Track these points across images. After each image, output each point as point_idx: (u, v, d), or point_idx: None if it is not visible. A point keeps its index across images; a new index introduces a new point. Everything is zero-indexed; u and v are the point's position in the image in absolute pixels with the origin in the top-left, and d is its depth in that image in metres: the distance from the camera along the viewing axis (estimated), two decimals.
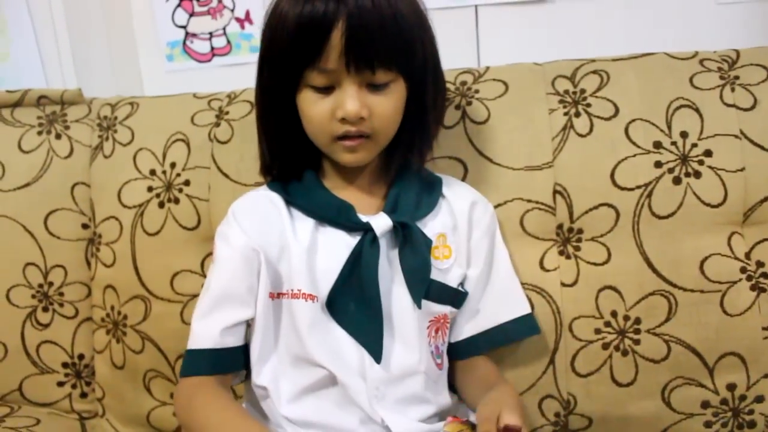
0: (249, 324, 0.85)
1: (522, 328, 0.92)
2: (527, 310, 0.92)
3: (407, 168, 0.88)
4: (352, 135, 0.80)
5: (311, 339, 0.80)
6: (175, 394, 0.85)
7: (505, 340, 0.92)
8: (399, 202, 0.86)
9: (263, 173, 0.91)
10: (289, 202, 0.87)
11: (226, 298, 0.83)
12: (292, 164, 0.88)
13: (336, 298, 0.80)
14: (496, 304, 0.91)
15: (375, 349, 0.79)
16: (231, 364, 0.83)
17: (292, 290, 0.81)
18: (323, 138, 0.82)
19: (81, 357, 1.14)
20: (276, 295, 0.83)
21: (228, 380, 0.84)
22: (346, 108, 0.78)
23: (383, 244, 0.83)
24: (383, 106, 0.80)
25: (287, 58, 0.78)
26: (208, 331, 0.82)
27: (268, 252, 0.83)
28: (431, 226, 0.87)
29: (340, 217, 0.84)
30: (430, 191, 0.90)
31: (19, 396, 1.14)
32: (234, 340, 0.83)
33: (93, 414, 1.15)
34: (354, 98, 0.78)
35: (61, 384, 1.14)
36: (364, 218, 0.84)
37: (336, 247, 0.83)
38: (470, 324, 0.91)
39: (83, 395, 1.14)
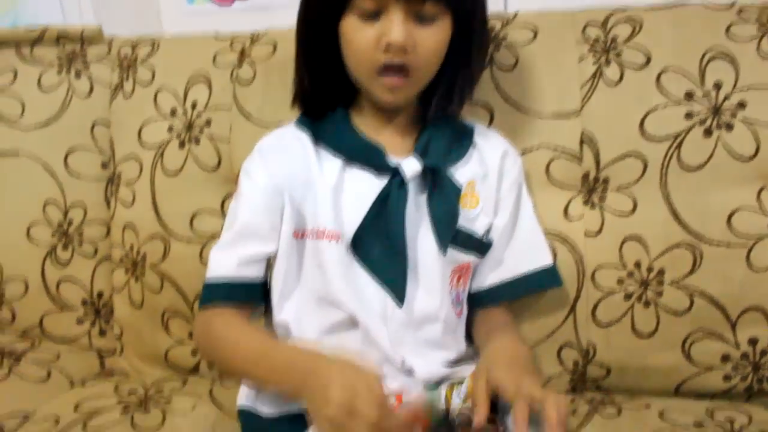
0: (270, 263, 0.84)
1: (544, 280, 0.91)
2: (550, 261, 0.91)
3: (442, 114, 0.87)
4: (395, 65, 0.78)
5: (335, 280, 0.79)
6: (194, 327, 0.86)
7: (526, 291, 0.92)
8: (430, 147, 0.84)
9: (296, 104, 0.89)
10: (317, 141, 0.86)
11: (246, 233, 0.82)
12: (327, 98, 0.86)
13: (361, 238, 0.79)
14: (520, 254, 0.90)
15: (398, 293, 0.79)
16: (248, 294, 0.82)
17: (317, 229, 0.80)
18: (365, 69, 0.80)
19: (100, 295, 1.14)
20: (300, 235, 0.82)
21: (246, 311, 0.83)
22: (391, 35, 0.75)
23: (411, 188, 0.82)
24: (429, 40, 0.78)
25: None
26: (225, 262, 0.82)
27: (292, 190, 0.82)
28: (461, 173, 0.86)
29: (370, 158, 0.83)
30: (462, 138, 0.88)
31: (39, 332, 1.15)
32: (252, 273, 0.82)
33: (112, 351, 1.16)
34: (400, 26, 0.75)
35: (80, 321, 1.15)
36: (393, 161, 0.83)
37: (363, 187, 0.82)
38: (493, 273, 0.90)
39: (102, 333, 1.15)
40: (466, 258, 0.86)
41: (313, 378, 0.65)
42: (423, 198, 0.83)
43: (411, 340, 0.80)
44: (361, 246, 0.80)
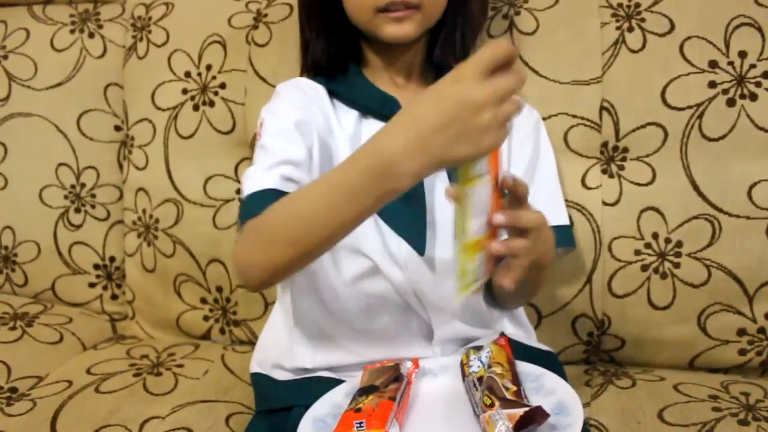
0: None
1: (559, 238, 0.88)
2: (566, 221, 0.88)
3: (450, 66, 0.85)
4: (397, 5, 0.76)
5: (359, 229, 0.78)
6: (236, 245, 0.73)
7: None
8: None
9: (306, 69, 0.88)
10: (333, 93, 0.84)
11: (286, 161, 0.75)
12: (335, 56, 0.85)
13: None
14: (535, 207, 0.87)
15: (418, 243, 0.78)
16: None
17: None
18: (364, 11, 0.78)
19: (112, 259, 1.14)
20: None
21: None
22: None
23: None
24: None
25: None
26: (269, 176, 0.73)
27: (319, 130, 0.79)
28: None
29: (384, 109, 0.81)
30: None
31: (51, 295, 1.15)
32: (295, 187, 0.73)
33: (123, 316, 1.16)
34: None
35: (92, 285, 1.15)
36: None
37: None
38: None
39: (114, 297, 1.15)
40: None
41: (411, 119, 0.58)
42: None
43: (431, 292, 0.79)
44: None
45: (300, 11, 0.87)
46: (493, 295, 0.86)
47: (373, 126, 0.82)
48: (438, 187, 0.80)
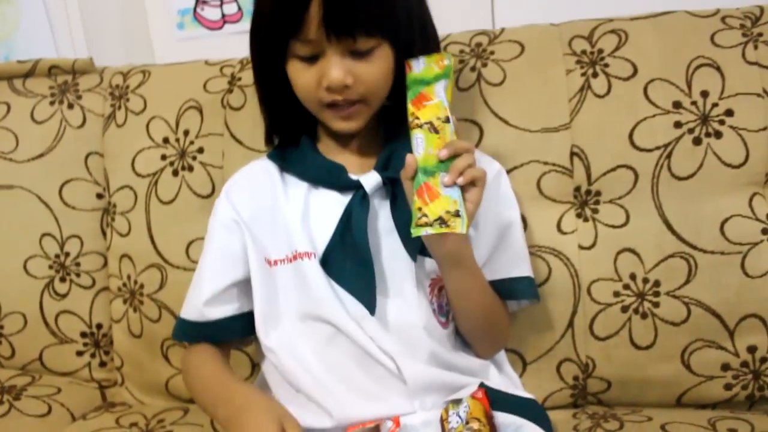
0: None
1: (519, 290, 0.89)
2: (527, 273, 0.89)
3: (403, 127, 0.88)
4: (340, 104, 0.82)
5: (316, 294, 0.82)
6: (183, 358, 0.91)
7: (501, 296, 0.89)
8: (392, 160, 0.86)
9: (266, 142, 0.94)
10: (284, 169, 0.90)
11: (209, 267, 0.87)
12: (289, 130, 0.91)
13: (330, 255, 0.82)
14: (496, 261, 0.88)
15: (368, 301, 0.80)
16: (215, 335, 0.86)
17: (291, 252, 0.84)
18: (313, 106, 0.85)
19: (99, 326, 1.14)
20: (273, 262, 0.85)
21: (225, 345, 0.89)
22: (330, 77, 0.79)
23: (377, 201, 0.85)
24: (368, 72, 0.81)
25: (272, 30, 0.80)
26: (193, 302, 0.86)
27: (256, 224, 0.86)
28: None
29: (332, 177, 0.86)
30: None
31: (39, 365, 1.15)
32: (219, 312, 0.85)
33: (112, 382, 1.16)
34: (337, 67, 0.79)
35: (80, 353, 1.15)
36: (354, 177, 0.85)
37: (329, 207, 0.85)
38: None
39: (102, 364, 1.15)
40: None
41: (245, 415, 0.72)
42: (389, 209, 0.85)
43: (395, 345, 0.80)
44: (330, 262, 0.82)
45: (256, 90, 0.91)
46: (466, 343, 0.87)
47: (322, 196, 0.86)
48: (391, 246, 0.83)
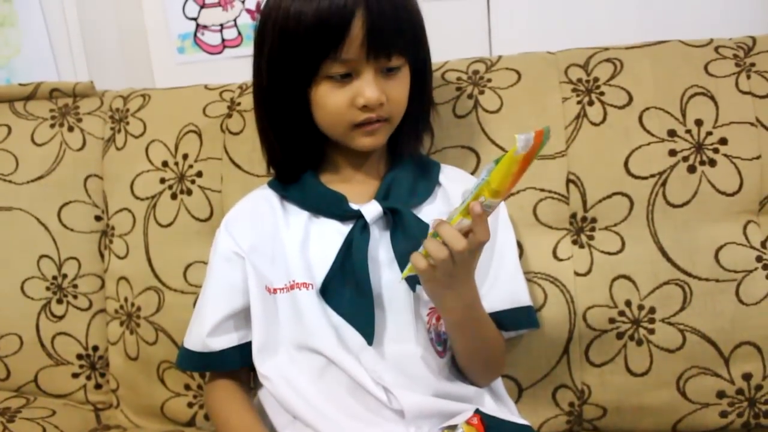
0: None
1: (520, 320, 0.90)
2: (527, 302, 0.90)
3: (402, 156, 0.90)
4: (373, 121, 0.83)
5: (311, 326, 0.82)
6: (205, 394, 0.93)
7: (501, 328, 0.89)
8: (392, 190, 0.87)
9: (268, 170, 0.95)
10: (285, 197, 0.90)
11: (210, 299, 0.88)
12: (294, 163, 0.90)
13: (329, 284, 0.83)
14: (495, 292, 0.88)
15: (366, 331, 0.80)
16: (219, 365, 0.88)
17: (290, 282, 0.84)
18: (342, 127, 0.84)
19: (95, 348, 1.14)
20: (273, 290, 0.85)
21: (239, 375, 0.90)
22: (367, 95, 0.80)
23: (377, 231, 0.85)
24: (397, 90, 0.83)
25: (305, 53, 0.80)
26: (196, 332, 0.88)
27: (256, 255, 0.86)
28: (428, 212, 0.87)
29: (332, 207, 0.86)
30: (428, 178, 0.91)
31: (34, 387, 1.15)
32: (222, 342, 0.86)
33: (108, 405, 1.15)
34: (373, 85, 0.80)
35: (75, 375, 1.14)
36: (355, 207, 0.85)
37: (330, 236, 0.85)
38: None
39: (98, 386, 1.15)
40: None
41: None
42: (389, 239, 0.85)
43: (391, 376, 0.80)
44: (329, 291, 0.83)
45: (262, 119, 0.90)
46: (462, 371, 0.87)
47: (323, 225, 0.87)
48: (390, 276, 0.83)
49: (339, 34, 0.77)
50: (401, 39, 0.80)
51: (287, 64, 0.82)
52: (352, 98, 0.81)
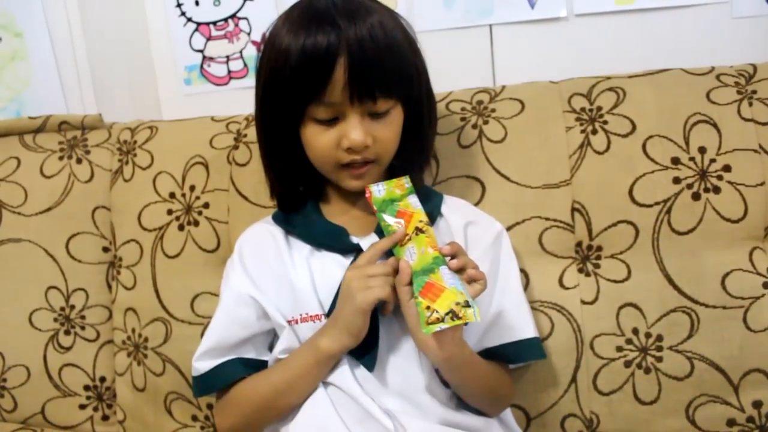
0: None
1: (525, 352, 0.90)
2: (532, 334, 0.89)
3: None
4: (357, 163, 0.83)
5: None
6: (214, 416, 0.94)
7: (506, 362, 0.90)
8: None
9: (273, 199, 0.96)
10: (288, 231, 0.91)
11: (219, 345, 0.88)
12: (295, 194, 0.92)
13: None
14: (500, 325, 0.88)
15: (367, 360, 0.81)
16: (228, 376, 0.88)
17: (301, 314, 0.85)
18: (329, 167, 0.86)
19: (102, 380, 1.14)
20: (293, 321, 0.86)
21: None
22: (351, 138, 0.81)
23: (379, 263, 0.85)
24: (385, 132, 0.84)
25: (291, 94, 0.81)
26: (203, 364, 0.89)
27: (271, 287, 0.87)
28: None
29: (334, 241, 0.87)
30: (429, 210, 0.90)
31: (41, 419, 1.15)
32: (223, 358, 0.88)
33: None
34: (358, 128, 0.81)
35: (83, 407, 1.14)
36: (355, 240, 0.86)
37: (331, 269, 0.85)
38: (471, 342, 0.88)
39: (105, 418, 1.15)
40: None
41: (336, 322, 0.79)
42: None
43: (398, 404, 0.81)
44: None
45: (260, 148, 0.92)
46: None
47: (325, 258, 0.87)
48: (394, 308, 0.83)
49: (322, 78, 0.78)
50: (386, 83, 0.80)
51: (277, 103, 0.84)
52: (337, 140, 0.82)
